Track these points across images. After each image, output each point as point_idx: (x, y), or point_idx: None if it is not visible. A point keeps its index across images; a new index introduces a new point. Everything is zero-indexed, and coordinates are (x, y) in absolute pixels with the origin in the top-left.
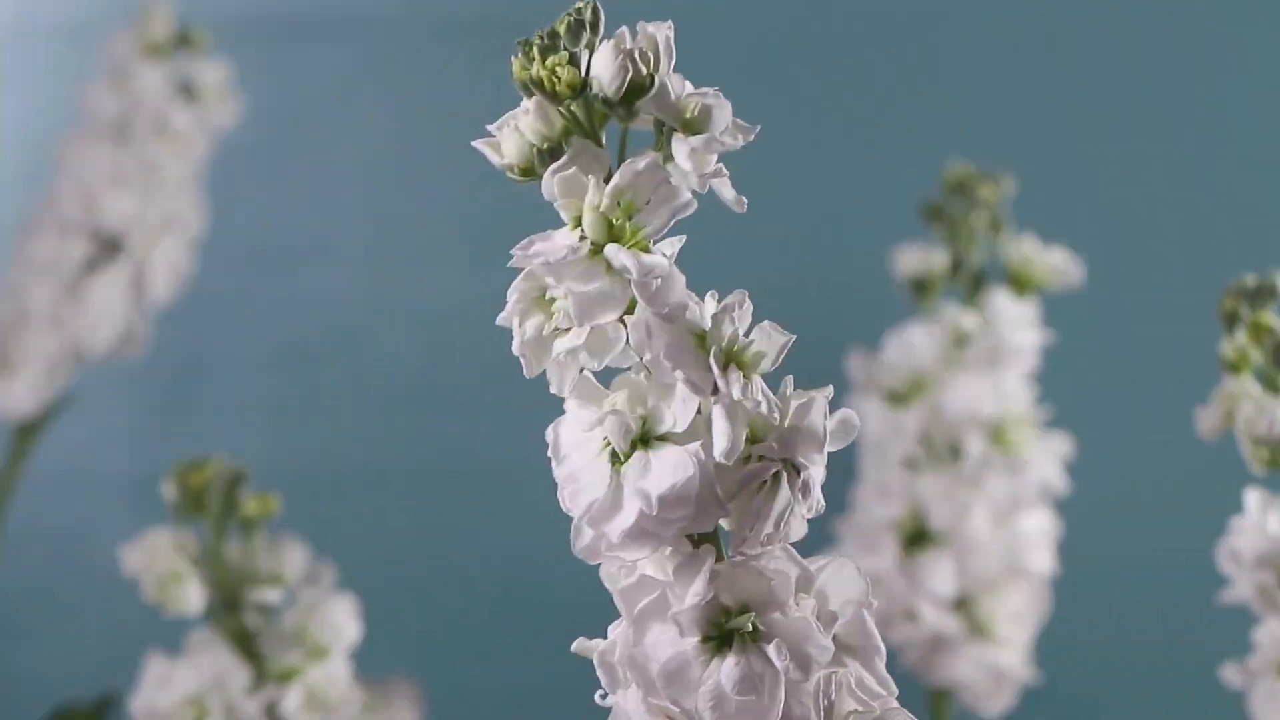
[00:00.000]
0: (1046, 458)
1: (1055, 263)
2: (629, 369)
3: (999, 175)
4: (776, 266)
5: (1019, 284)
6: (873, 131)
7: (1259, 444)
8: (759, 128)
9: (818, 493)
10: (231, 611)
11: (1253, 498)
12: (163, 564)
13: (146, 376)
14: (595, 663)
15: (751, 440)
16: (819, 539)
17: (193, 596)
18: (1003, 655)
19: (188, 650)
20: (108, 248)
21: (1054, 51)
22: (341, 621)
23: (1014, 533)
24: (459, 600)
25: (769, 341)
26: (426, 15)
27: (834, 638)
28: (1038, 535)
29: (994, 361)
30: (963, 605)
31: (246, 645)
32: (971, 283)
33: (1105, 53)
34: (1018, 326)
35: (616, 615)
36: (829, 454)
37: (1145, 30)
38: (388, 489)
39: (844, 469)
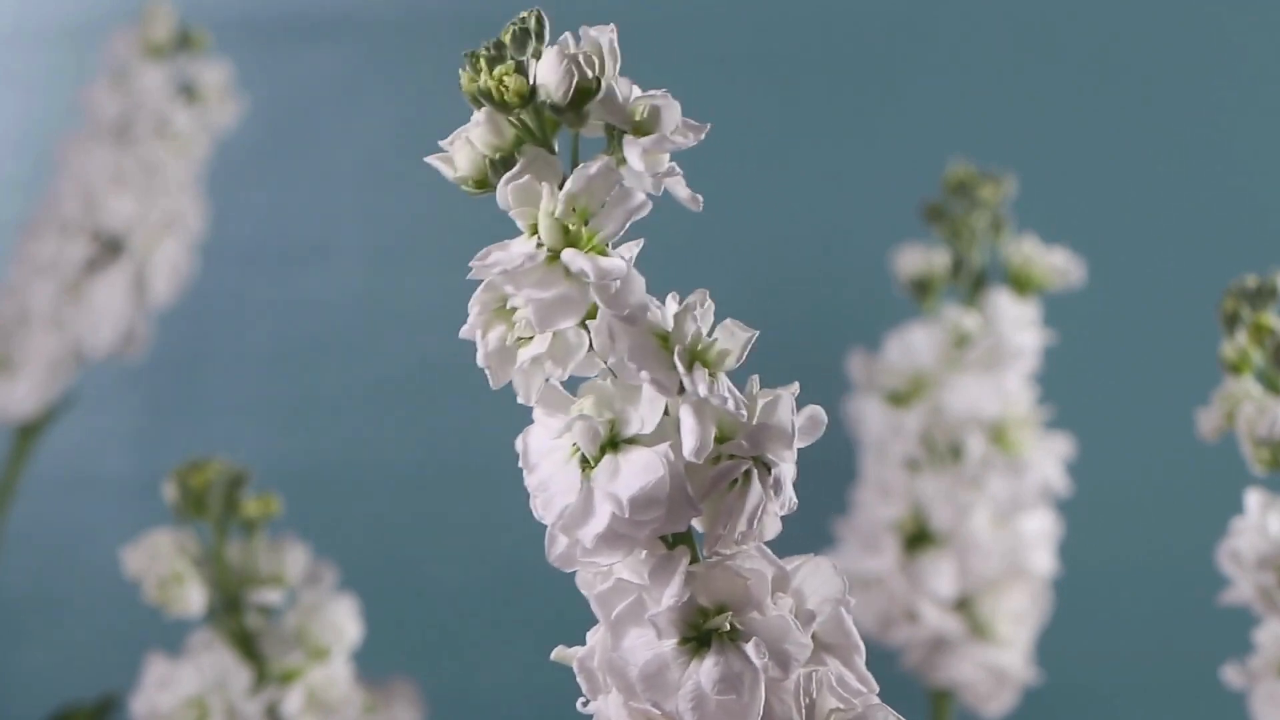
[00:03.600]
0: (1047, 458)
1: (1056, 263)
2: (595, 377)
3: (1000, 175)
4: (777, 267)
5: (1020, 284)
6: (873, 131)
7: (1260, 445)
8: (709, 125)
9: (790, 490)
10: (232, 612)
11: (1253, 498)
12: (164, 565)
13: (147, 377)
14: (575, 669)
15: (720, 439)
16: (819, 539)
17: (194, 597)
18: (1004, 656)
19: (189, 651)
20: (109, 248)
21: (1054, 51)
22: (342, 622)
23: (1015, 533)
24: (459, 601)
25: (732, 339)
26: (427, 16)
27: (813, 636)
28: (1039, 536)
29: (995, 362)
30: (964, 606)
31: (247, 646)
32: (972, 283)
33: (1106, 53)
34: (1018, 327)
35: None
36: (828, 456)
37: (1146, 30)
38: (388, 489)
39: (845, 469)
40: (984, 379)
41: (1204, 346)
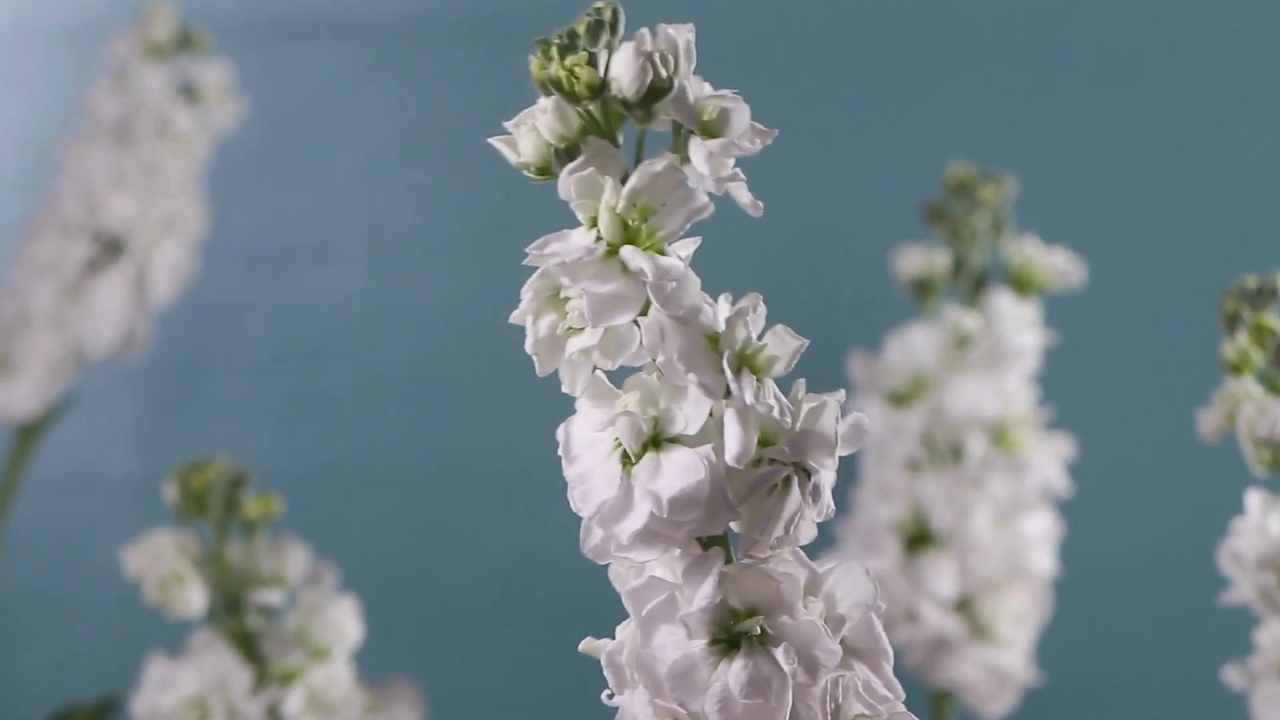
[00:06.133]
0: (1048, 459)
1: (1057, 264)
2: (641, 369)
3: (1001, 176)
4: (778, 267)
5: (1020, 285)
6: (874, 132)
7: (1260, 445)
8: (777, 131)
9: (828, 496)
10: (233, 613)
11: (1254, 499)
12: (164, 565)
13: (148, 377)
14: (603, 663)
15: (763, 444)
16: (821, 540)
17: (194, 598)
18: (1004, 656)
19: (189, 652)
20: (109, 249)
21: (1055, 52)
22: (343, 623)
23: (1015, 534)
24: (459, 600)
25: (782, 346)
26: (427, 16)
27: (841, 641)
28: (1039, 536)
29: (995, 362)
30: (964, 606)
31: (248, 647)
32: (973, 284)
33: (1106, 53)
34: (1019, 327)
35: (617, 615)
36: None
37: (1146, 30)
38: (388, 490)
39: (846, 470)
40: (984, 379)
41: (1204, 347)
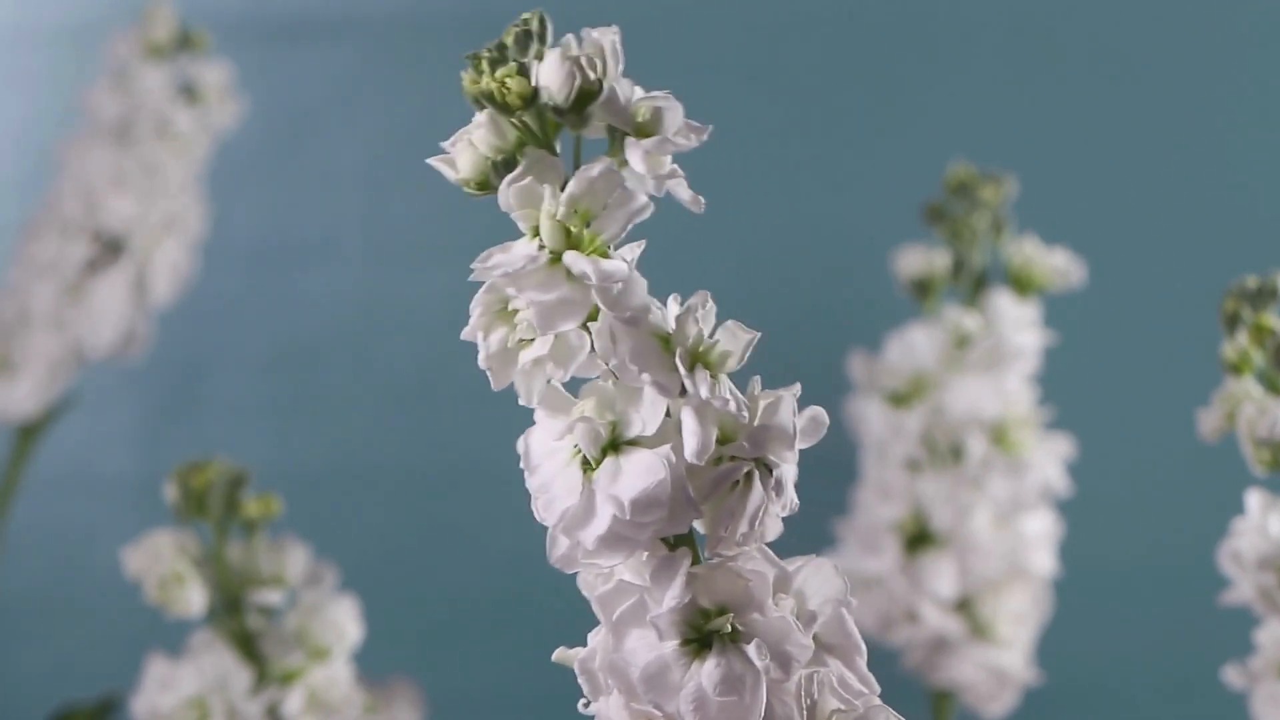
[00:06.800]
0: (1048, 459)
1: (1057, 264)
2: (596, 378)
3: (1001, 176)
4: (778, 267)
5: (1020, 285)
6: (874, 132)
7: (1260, 445)
8: (711, 127)
9: (791, 491)
10: (233, 613)
11: (1254, 499)
12: (164, 565)
13: (148, 378)
14: (576, 671)
15: (722, 441)
16: (820, 540)
17: (194, 598)
18: (1004, 656)
19: (189, 652)
20: (109, 249)
21: (1055, 52)
22: (343, 623)
23: (1016, 534)
24: (459, 601)
25: (734, 340)
26: (427, 16)
27: (814, 637)
28: (1039, 536)
29: (995, 362)
30: (964, 606)
31: (248, 647)
32: (973, 284)
33: (1107, 53)
34: (1019, 327)
35: None
36: (829, 457)
37: (1146, 30)
38: (388, 490)
39: (846, 470)
40: (984, 379)
41: (1204, 347)
